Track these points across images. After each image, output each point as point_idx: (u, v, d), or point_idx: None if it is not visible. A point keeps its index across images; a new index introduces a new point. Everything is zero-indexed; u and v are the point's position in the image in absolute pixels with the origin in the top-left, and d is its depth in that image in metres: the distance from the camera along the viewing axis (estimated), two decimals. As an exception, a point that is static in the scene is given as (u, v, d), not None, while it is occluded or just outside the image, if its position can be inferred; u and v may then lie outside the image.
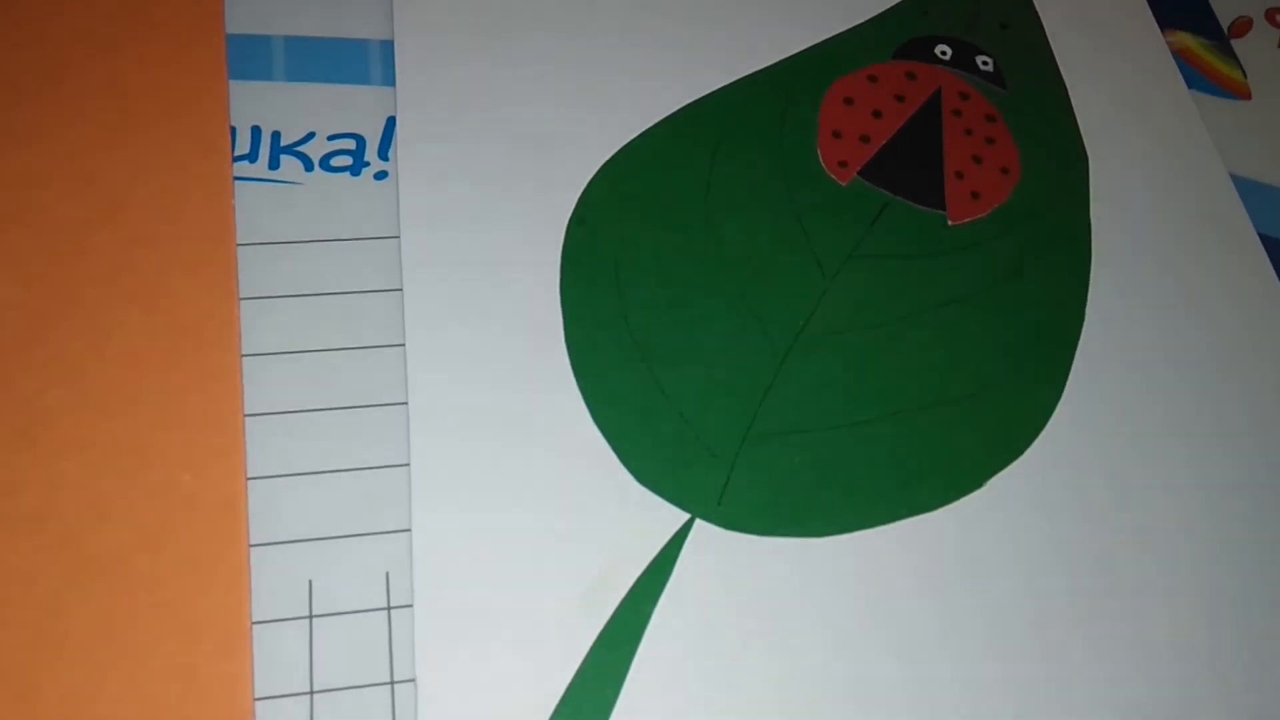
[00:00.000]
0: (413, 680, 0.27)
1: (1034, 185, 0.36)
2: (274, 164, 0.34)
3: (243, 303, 0.31)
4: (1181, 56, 0.40)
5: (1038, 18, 0.40)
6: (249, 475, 0.29)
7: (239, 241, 0.32)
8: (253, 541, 0.28)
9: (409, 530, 0.29)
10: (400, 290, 0.32)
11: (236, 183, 0.33)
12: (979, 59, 0.39)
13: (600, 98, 0.36)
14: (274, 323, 0.31)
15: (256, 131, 0.35)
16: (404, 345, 0.31)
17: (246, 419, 0.29)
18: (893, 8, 0.39)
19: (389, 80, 0.36)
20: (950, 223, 0.35)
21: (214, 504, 0.27)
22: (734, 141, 0.36)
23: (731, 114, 0.36)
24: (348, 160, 0.34)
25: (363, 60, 0.36)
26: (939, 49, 0.39)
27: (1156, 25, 0.40)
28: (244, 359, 0.30)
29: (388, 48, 0.37)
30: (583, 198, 0.34)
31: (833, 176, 0.36)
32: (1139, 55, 0.40)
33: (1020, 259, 0.35)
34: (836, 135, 0.36)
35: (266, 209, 0.33)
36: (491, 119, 0.35)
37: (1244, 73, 0.40)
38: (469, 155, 0.35)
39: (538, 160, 0.35)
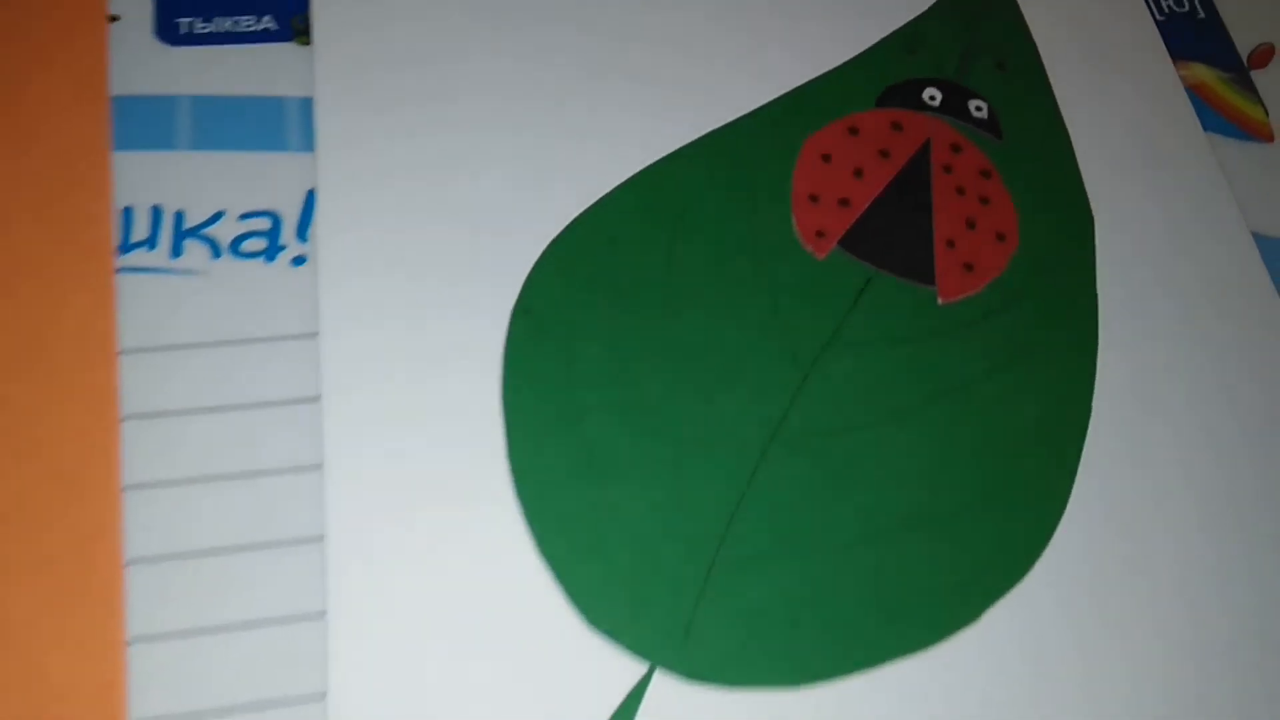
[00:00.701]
0: None
1: (1033, 252, 0.33)
2: (176, 251, 0.30)
3: (127, 423, 0.27)
4: (1197, 93, 0.36)
5: (1037, 54, 0.36)
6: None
7: (127, 347, 0.28)
8: None
9: (324, 696, 0.25)
10: (318, 398, 0.28)
11: (131, 275, 0.29)
12: (972, 104, 0.35)
13: (548, 165, 0.32)
14: (166, 444, 0.27)
15: (156, 213, 0.30)
16: (321, 465, 0.28)
17: (127, 568, 0.26)
18: (875, 46, 0.35)
19: (308, 144, 0.32)
20: (941, 300, 0.31)
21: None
22: (699, 210, 0.32)
23: (696, 178, 0.32)
24: (261, 243, 0.30)
25: (277, 121, 0.32)
26: (927, 94, 0.35)
27: (1169, 57, 0.36)
28: (126, 493, 0.26)
29: (307, 106, 0.32)
30: (529, 282, 0.30)
31: (809, 249, 0.32)
32: (1150, 93, 0.36)
33: (1018, 342, 0.31)
34: (813, 199, 0.32)
35: (164, 306, 0.29)
36: (426, 191, 0.31)
37: (1265, 110, 0.36)
38: (399, 234, 0.31)
39: (478, 239, 0.31)
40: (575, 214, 0.31)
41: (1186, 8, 0.38)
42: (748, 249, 0.32)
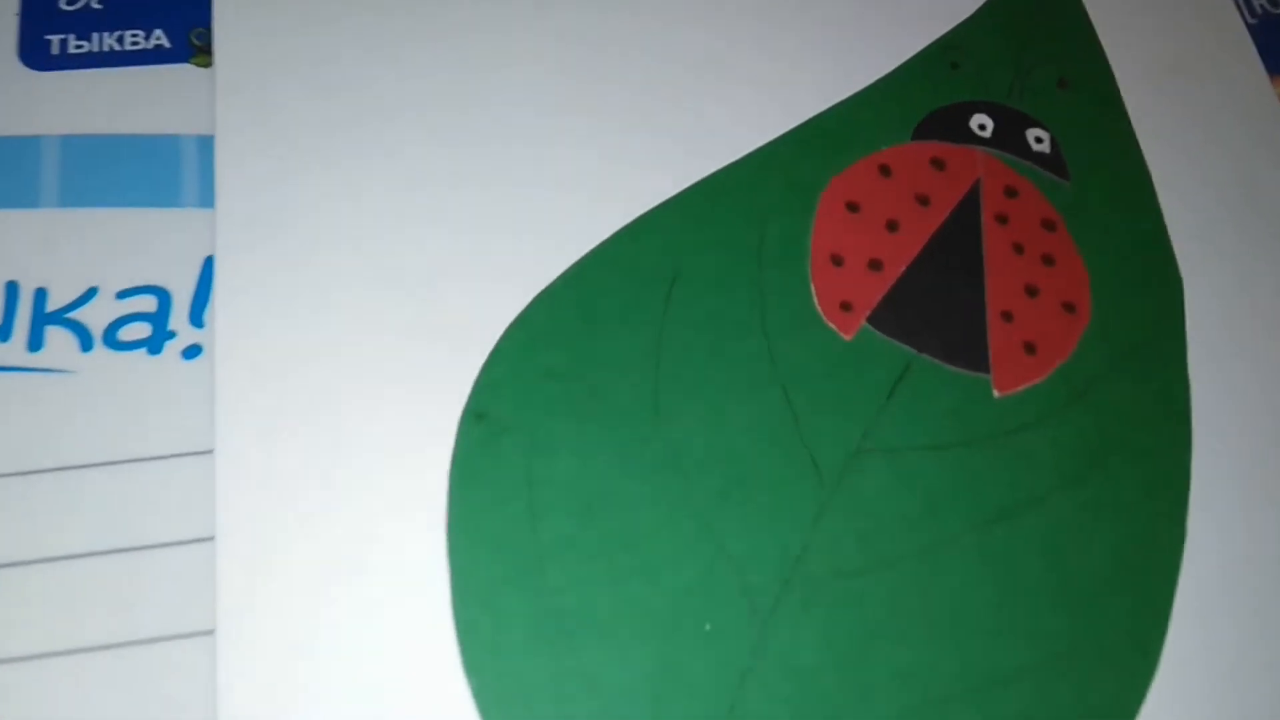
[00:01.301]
0: None
1: (1110, 327, 0.26)
2: (35, 343, 0.24)
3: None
4: (1297, 112, 0.30)
5: (1109, 70, 0.29)
6: None
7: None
8: None
9: None
10: (213, 538, 0.22)
11: (-25, 379, 0.23)
12: (1031, 133, 0.28)
13: (507, 224, 0.26)
14: (22, 599, 0.21)
15: (11, 291, 0.24)
16: (214, 632, 0.22)
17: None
18: (909, 62, 0.29)
19: (207, 199, 0.26)
20: (997, 393, 0.25)
21: None
22: (695, 278, 0.26)
23: (691, 235, 0.26)
24: (144, 330, 0.24)
25: (169, 167, 0.26)
26: (976, 121, 0.28)
27: (1265, 74, 0.30)
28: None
29: (207, 148, 0.26)
30: (482, 378, 0.24)
31: (832, 326, 0.25)
32: (1245, 118, 0.29)
33: (1094, 446, 0.25)
34: (836, 261, 0.26)
35: (18, 416, 0.23)
36: (356, 258, 0.25)
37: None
38: (321, 317, 0.24)
39: (418, 322, 0.25)
40: (541, 286, 0.25)
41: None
42: (756, 327, 0.25)
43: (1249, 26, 0.31)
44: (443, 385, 0.24)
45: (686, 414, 0.24)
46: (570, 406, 0.24)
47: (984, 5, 0.30)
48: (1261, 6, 0.31)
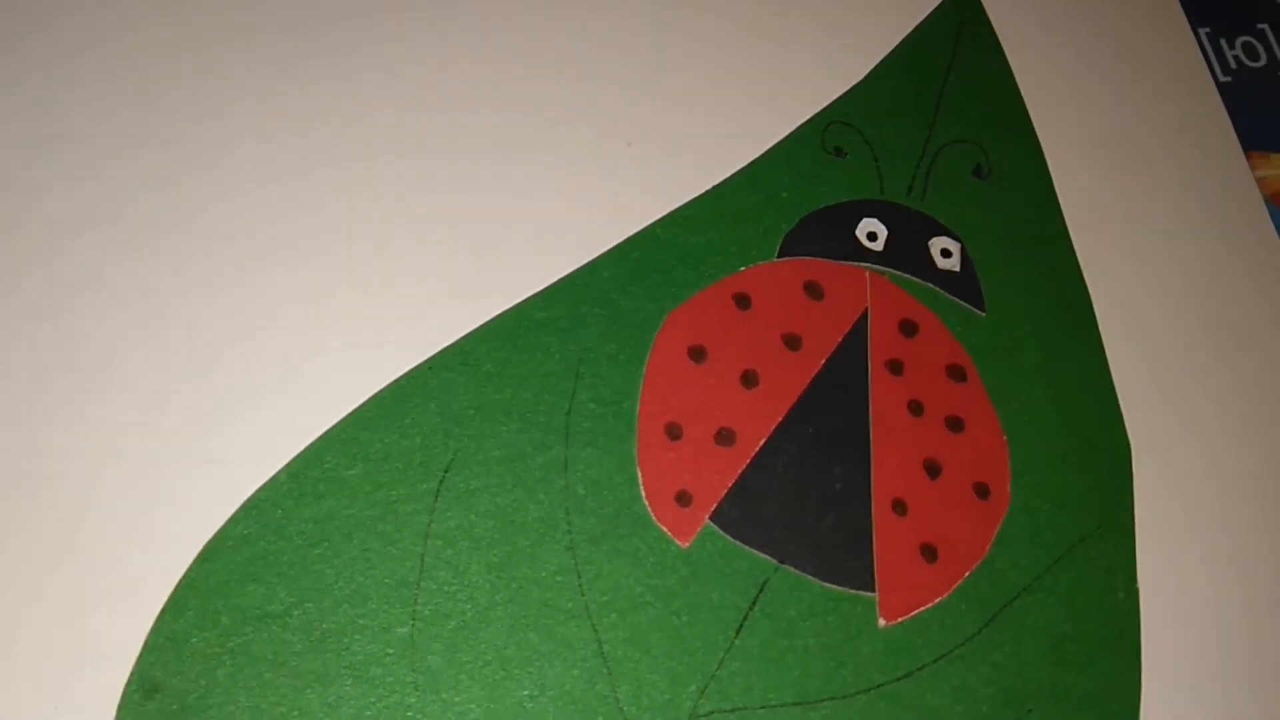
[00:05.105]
0: None
1: (1036, 519, 0.20)
2: None
3: None
4: (1276, 203, 0.23)
5: (1041, 156, 0.23)
6: None
7: None
8: None
9: None
10: None
11: None
12: (936, 245, 0.21)
13: (195, 403, 0.18)
14: None
15: None
16: None
17: None
18: (779, 147, 0.22)
19: None
20: (883, 621, 0.19)
21: None
22: (475, 462, 0.19)
23: (473, 398, 0.19)
24: None
25: None
26: (865, 229, 0.21)
27: (1240, 150, 0.23)
28: None
29: None
30: (157, 632, 0.17)
31: (664, 529, 0.19)
32: (1215, 211, 0.23)
33: (1015, 694, 0.19)
34: (673, 433, 0.19)
35: None
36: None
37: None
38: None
39: (62, 554, 0.17)
40: (256, 486, 0.18)
41: (1263, 60, 0.24)
42: (560, 534, 0.19)
43: (1220, 85, 0.24)
44: (103, 646, 0.17)
45: (458, 681, 0.17)
46: (277, 664, 0.17)
47: (881, 64, 0.23)
48: (1235, 59, 0.24)
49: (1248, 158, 0.23)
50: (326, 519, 0.18)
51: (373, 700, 0.17)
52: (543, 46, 0.22)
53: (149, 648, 0.17)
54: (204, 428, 0.18)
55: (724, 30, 0.22)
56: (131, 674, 0.17)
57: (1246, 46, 0.24)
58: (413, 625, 0.18)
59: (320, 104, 0.21)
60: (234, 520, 0.18)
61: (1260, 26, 0.24)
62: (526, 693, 0.17)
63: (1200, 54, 0.24)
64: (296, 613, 0.17)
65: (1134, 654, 0.19)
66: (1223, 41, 0.24)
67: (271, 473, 0.18)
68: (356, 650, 0.17)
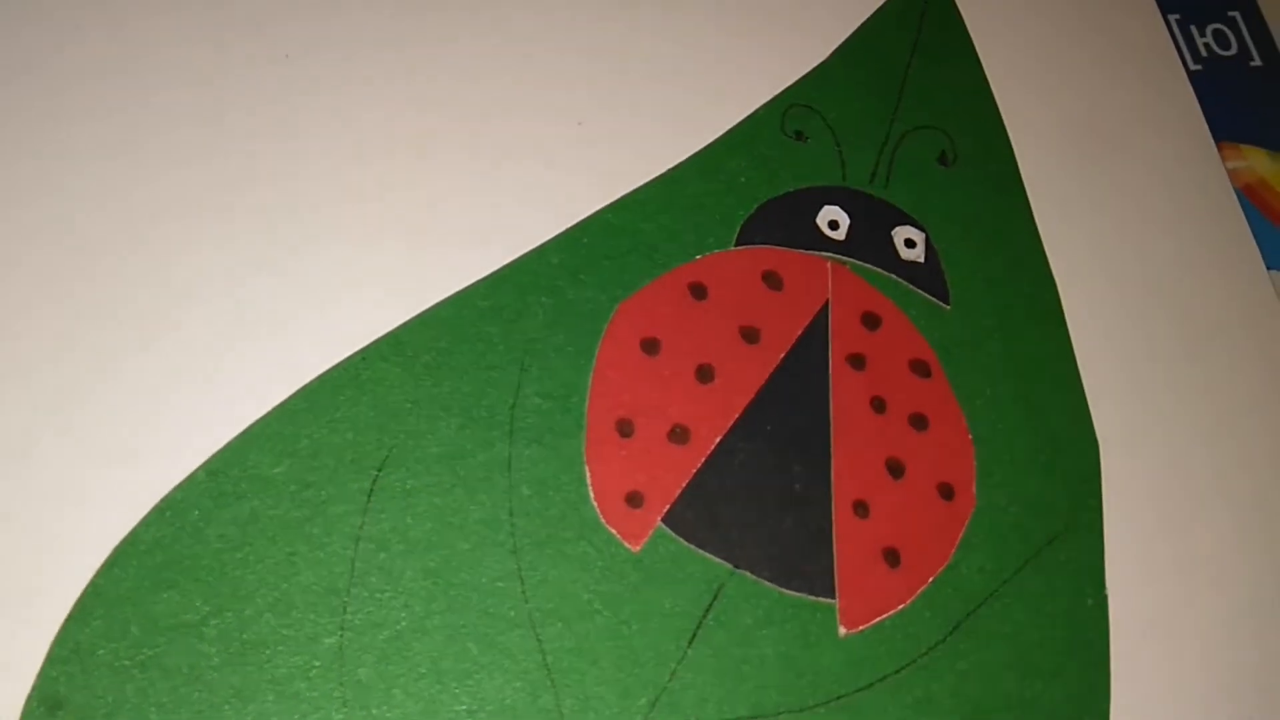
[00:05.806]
0: None
1: (1001, 520, 0.19)
2: None
3: None
4: (1250, 196, 0.22)
5: (1007, 143, 0.22)
6: None
7: None
8: None
9: None
10: None
11: None
12: (900, 234, 0.21)
13: (105, 396, 0.17)
14: None
15: None
16: None
17: None
18: (737, 130, 0.21)
19: None
20: (844, 629, 0.18)
21: None
22: (411, 460, 0.18)
23: (408, 392, 0.18)
24: None
25: None
26: (826, 217, 0.20)
27: (1211, 140, 0.22)
28: None
29: None
30: (60, 643, 0.16)
31: (613, 532, 0.18)
32: (1186, 202, 0.22)
33: (979, 707, 0.18)
34: (624, 429, 0.18)
35: None
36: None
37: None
38: None
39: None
40: (167, 488, 0.17)
41: (1234, 48, 0.24)
42: (502, 537, 0.17)
43: (1191, 74, 0.23)
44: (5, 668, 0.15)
45: (390, 696, 0.16)
46: (193, 676, 0.16)
47: (844, 45, 0.22)
48: (1206, 46, 0.24)
49: (1219, 148, 0.23)
50: (248, 521, 0.17)
51: (297, 717, 0.16)
52: (490, 23, 0.21)
53: (51, 660, 0.16)
54: (114, 423, 0.16)
55: (683, 6, 0.21)
56: (33, 688, 0.15)
57: (1217, 34, 0.23)
58: (341, 635, 0.16)
59: (245, 89, 0.19)
60: (146, 522, 0.16)
61: (1231, 14, 0.24)
62: (464, 707, 0.16)
63: (1170, 41, 0.23)
64: (214, 622, 0.16)
65: (1103, 662, 0.18)
66: (1193, 29, 0.23)
67: (188, 471, 0.16)
68: (280, 663, 0.16)
